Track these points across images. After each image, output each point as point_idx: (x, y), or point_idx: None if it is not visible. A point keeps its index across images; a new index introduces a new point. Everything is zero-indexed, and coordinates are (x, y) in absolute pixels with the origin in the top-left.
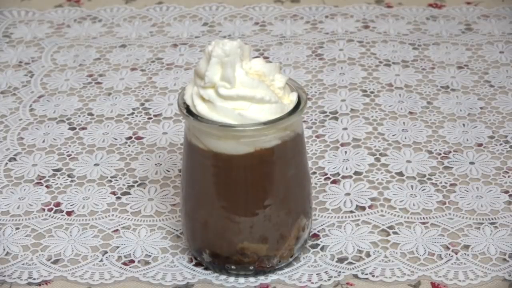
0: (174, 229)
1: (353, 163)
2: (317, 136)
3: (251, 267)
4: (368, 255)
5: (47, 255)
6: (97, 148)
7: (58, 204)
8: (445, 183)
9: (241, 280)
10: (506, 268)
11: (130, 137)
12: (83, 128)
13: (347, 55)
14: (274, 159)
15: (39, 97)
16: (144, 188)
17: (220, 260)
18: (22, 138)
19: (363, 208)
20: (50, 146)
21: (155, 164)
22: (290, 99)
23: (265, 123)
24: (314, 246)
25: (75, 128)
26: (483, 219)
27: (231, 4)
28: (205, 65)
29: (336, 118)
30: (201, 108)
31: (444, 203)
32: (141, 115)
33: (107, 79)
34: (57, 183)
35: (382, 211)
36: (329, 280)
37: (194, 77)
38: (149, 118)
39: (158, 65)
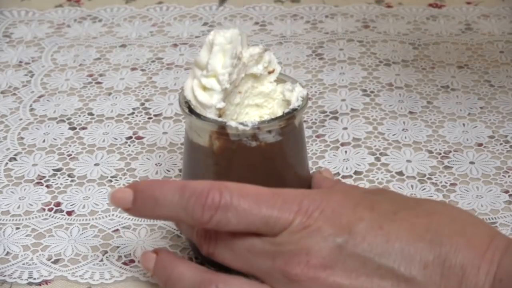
0: (174, 229)
1: (353, 163)
2: (317, 136)
3: None
4: None
5: (47, 255)
6: (97, 148)
7: (58, 204)
8: (445, 182)
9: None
10: None
11: (130, 137)
12: (83, 128)
13: (347, 54)
14: (275, 157)
15: (39, 97)
16: None
17: None
18: (22, 138)
19: None
20: (50, 146)
21: (155, 164)
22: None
23: (267, 121)
24: None
25: (75, 128)
26: (483, 219)
27: (231, 4)
28: (206, 55)
29: (336, 118)
30: (203, 98)
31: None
32: (141, 115)
33: (107, 79)
34: (57, 183)
35: None
36: None
37: (193, 69)
38: (149, 118)
39: (158, 65)
